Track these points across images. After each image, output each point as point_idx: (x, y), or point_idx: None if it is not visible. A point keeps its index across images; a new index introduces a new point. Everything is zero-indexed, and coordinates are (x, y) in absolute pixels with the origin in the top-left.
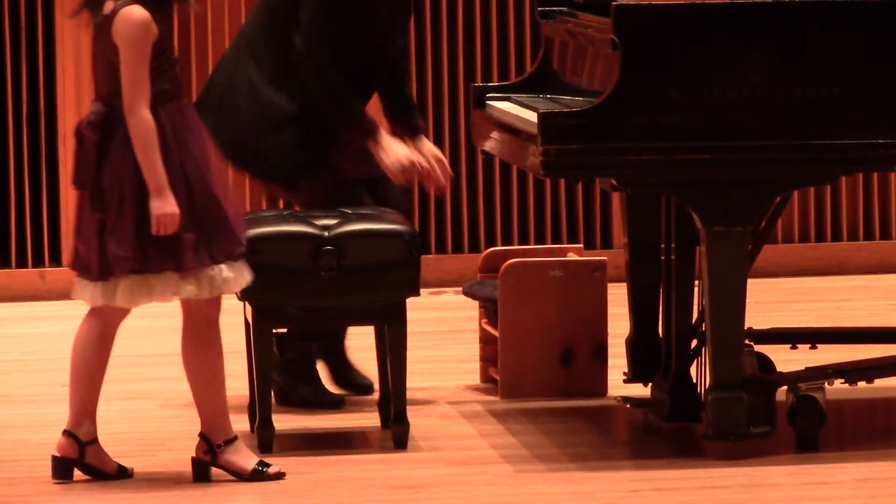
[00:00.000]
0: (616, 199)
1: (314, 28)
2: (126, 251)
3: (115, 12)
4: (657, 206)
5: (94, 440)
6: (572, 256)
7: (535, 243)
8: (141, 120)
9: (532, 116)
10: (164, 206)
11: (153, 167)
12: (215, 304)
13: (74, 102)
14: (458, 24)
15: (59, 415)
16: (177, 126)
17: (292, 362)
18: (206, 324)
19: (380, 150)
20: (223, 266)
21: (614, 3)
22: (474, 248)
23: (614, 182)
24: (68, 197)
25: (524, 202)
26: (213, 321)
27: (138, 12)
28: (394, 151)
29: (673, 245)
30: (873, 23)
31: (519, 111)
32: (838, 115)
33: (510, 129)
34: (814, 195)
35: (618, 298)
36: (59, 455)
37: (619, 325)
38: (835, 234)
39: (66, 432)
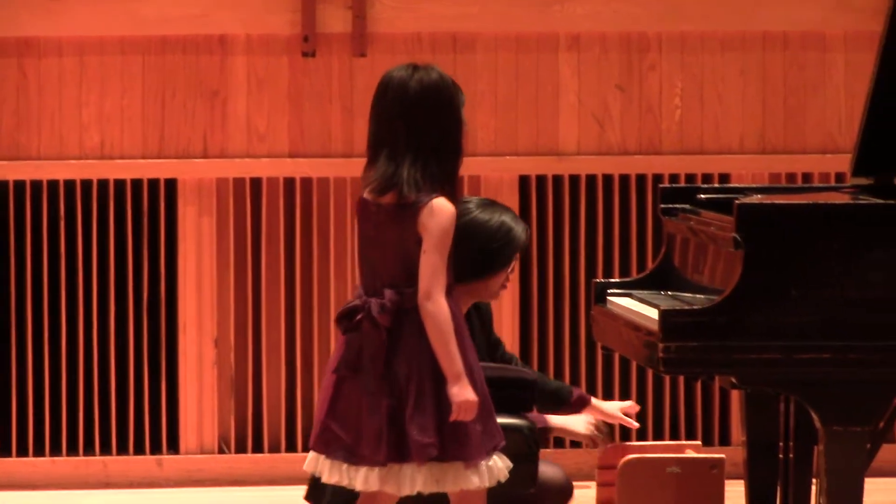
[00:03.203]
0: (735, 396)
1: None
2: (430, 438)
3: (419, 203)
4: (776, 403)
5: None
6: (690, 453)
7: (654, 439)
8: (439, 307)
9: (653, 313)
10: (464, 393)
11: (450, 354)
12: (482, 496)
13: (195, 290)
14: (581, 218)
15: None
16: (456, 316)
17: None
18: None
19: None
20: (495, 456)
21: (737, 202)
22: None
23: (734, 380)
24: (187, 384)
25: (643, 398)
26: None
27: (449, 205)
28: (575, 430)
29: (791, 443)
30: None
31: (640, 307)
32: None
33: (631, 325)
34: None
35: (736, 496)
36: None
37: None
38: None
39: None
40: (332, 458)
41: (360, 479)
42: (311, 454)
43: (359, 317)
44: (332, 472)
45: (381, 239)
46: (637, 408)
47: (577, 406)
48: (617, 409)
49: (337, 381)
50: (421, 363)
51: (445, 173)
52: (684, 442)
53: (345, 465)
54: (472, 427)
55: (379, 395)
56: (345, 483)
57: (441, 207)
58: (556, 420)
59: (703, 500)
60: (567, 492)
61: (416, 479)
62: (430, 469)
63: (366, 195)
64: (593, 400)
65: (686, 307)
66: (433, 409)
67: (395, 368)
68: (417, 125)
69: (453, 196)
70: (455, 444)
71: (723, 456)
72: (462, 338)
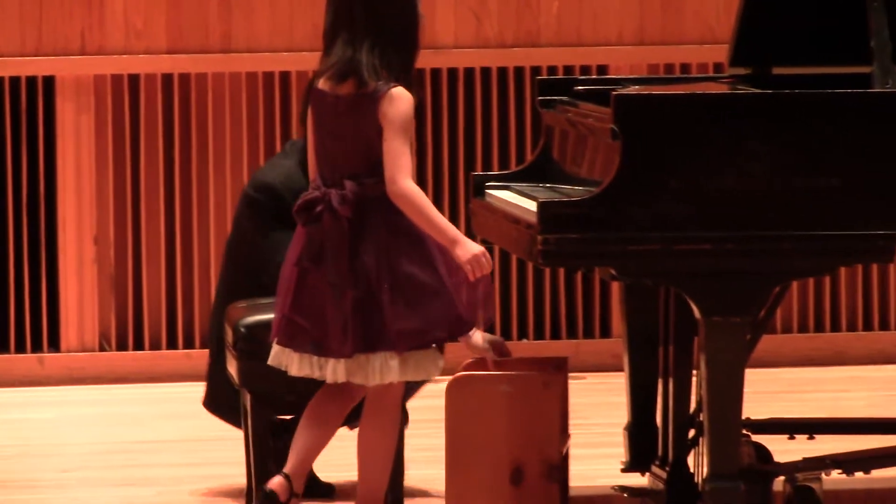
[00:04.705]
0: (615, 288)
1: None
2: (411, 325)
3: (378, 92)
4: (655, 295)
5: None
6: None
7: (534, 334)
8: (406, 187)
9: (531, 205)
10: (468, 250)
11: (436, 224)
12: (402, 388)
13: (74, 188)
14: (459, 112)
15: (58, 500)
16: None
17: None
18: (395, 405)
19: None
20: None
21: (614, 92)
22: None
23: (613, 272)
24: (67, 283)
25: (523, 292)
26: (399, 402)
27: (407, 93)
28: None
29: (671, 334)
30: (872, 114)
31: (519, 200)
32: (837, 207)
33: (510, 217)
34: (813, 285)
35: (616, 389)
36: (270, 489)
37: (617, 414)
38: (834, 325)
39: (285, 475)
40: (300, 352)
41: (329, 370)
42: (275, 349)
43: (319, 209)
44: (302, 365)
45: (339, 130)
46: (508, 353)
47: None
48: (483, 339)
49: (299, 275)
50: (391, 252)
51: (403, 63)
52: (554, 356)
53: (314, 358)
54: (442, 312)
55: (343, 287)
56: (315, 375)
57: (400, 95)
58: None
59: (536, 419)
60: None
61: (390, 367)
62: (403, 357)
63: (321, 85)
64: None
65: (565, 199)
66: (409, 296)
67: (362, 258)
68: (376, 12)
69: (409, 87)
70: (433, 330)
71: (565, 377)
72: (427, 239)
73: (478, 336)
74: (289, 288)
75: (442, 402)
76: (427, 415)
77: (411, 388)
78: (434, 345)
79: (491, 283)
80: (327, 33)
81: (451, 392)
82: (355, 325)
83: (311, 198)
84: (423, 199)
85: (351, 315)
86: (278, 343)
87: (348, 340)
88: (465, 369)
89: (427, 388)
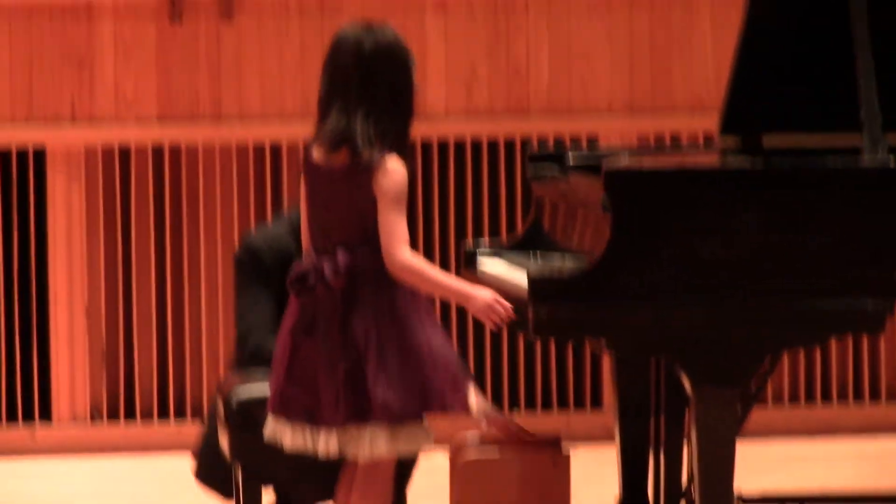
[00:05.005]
0: (606, 359)
1: None
2: (399, 397)
3: (373, 162)
4: (647, 366)
5: None
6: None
7: (526, 404)
8: (404, 260)
9: (522, 277)
10: (481, 301)
11: (444, 285)
12: (393, 462)
13: (66, 258)
14: (450, 182)
15: None
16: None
17: None
18: (386, 477)
19: None
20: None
21: (605, 166)
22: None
23: (604, 344)
24: (59, 354)
25: (514, 363)
26: (390, 475)
27: (400, 165)
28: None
29: (662, 405)
30: (861, 186)
31: (509, 272)
32: (828, 278)
33: (501, 290)
34: (804, 356)
35: (607, 460)
36: None
37: (608, 486)
38: (825, 395)
39: None
40: (294, 421)
41: (322, 443)
42: (270, 420)
43: (311, 280)
44: (296, 436)
45: (333, 198)
46: (503, 426)
47: None
48: (478, 410)
49: (293, 345)
50: (379, 322)
51: (397, 132)
52: (546, 432)
53: (308, 430)
54: (433, 386)
55: (335, 358)
56: (308, 448)
57: (395, 167)
58: None
59: (545, 498)
60: None
61: (379, 439)
62: (392, 430)
63: (315, 156)
64: None
65: (556, 271)
66: (395, 367)
67: (352, 329)
68: (371, 81)
69: (404, 156)
70: (417, 403)
71: (568, 455)
72: (419, 311)
73: (475, 405)
74: (283, 359)
75: (442, 477)
76: (428, 492)
77: (406, 471)
78: (425, 417)
79: (461, 365)
80: (322, 101)
81: (459, 473)
82: (346, 396)
83: (303, 269)
84: (425, 267)
85: (342, 386)
86: (273, 412)
87: (340, 410)
88: (457, 443)
89: (431, 463)
